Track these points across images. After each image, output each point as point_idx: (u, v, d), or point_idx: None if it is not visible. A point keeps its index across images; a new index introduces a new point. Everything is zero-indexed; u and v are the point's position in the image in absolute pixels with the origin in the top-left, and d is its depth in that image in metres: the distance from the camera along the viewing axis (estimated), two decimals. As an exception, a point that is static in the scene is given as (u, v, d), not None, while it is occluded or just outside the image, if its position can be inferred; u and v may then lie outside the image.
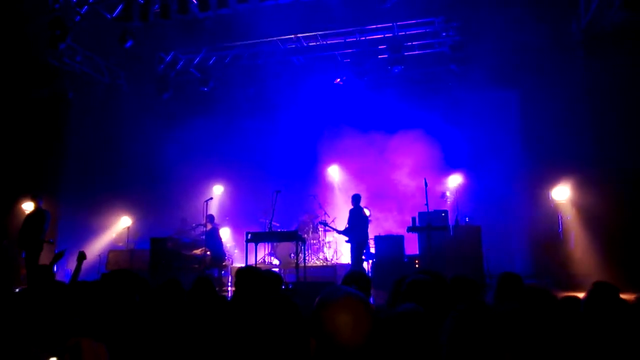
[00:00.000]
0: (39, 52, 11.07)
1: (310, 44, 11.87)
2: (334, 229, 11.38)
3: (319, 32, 11.41)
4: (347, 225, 9.86)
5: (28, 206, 10.13)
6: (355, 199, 9.96)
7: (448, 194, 10.94)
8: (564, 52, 9.53)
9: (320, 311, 1.51)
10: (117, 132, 12.23)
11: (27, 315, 3.51)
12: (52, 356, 0.75)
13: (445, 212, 9.54)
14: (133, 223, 12.75)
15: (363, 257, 10.26)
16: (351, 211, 9.89)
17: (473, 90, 11.56)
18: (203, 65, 12.76)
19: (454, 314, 1.15)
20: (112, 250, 11.98)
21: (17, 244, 8.74)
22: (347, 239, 9.80)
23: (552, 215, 10.22)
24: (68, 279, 8.19)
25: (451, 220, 9.67)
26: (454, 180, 11.29)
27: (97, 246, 12.28)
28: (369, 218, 10.51)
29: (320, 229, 11.97)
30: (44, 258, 8.70)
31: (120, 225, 12.83)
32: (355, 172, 12.94)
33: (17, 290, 7.08)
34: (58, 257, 6.10)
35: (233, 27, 10.67)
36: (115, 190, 12.14)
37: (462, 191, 11.15)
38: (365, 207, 10.34)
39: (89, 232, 12.07)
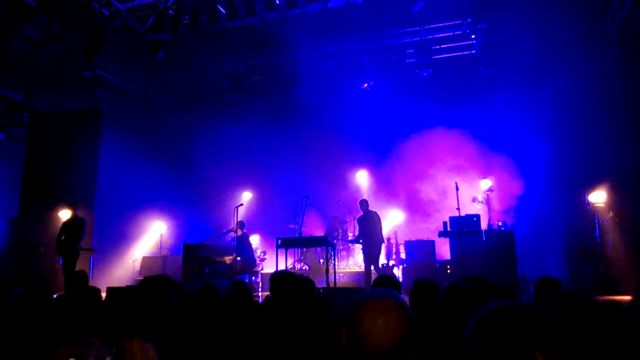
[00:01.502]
0: (74, 65, 11.46)
1: (338, 50, 11.91)
2: (346, 241, 11.43)
3: (346, 38, 11.45)
4: (358, 234, 9.87)
5: (65, 214, 10.44)
6: (362, 204, 9.89)
7: (480, 198, 10.75)
8: (597, 51, 9.28)
9: (357, 309, 1.52)
10: (149, 142, 12.52)
11: (65, 319, 3.61)
12: (107, 356, 0.77)
13: (477, 216, 9.39)
14: (166, 230, 13.00)
15: (385, 262, 10.20)
16: (358, 219, 9.84)
17: (503, 92, 11.38)
18: (232, 74, 12.94)
19: (485, 309, 1.12)
20: (146, 256, 12.23)
21: (55, 251, 9.02)
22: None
23: (589, 219, 9.92)
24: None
25: (483, 225, 9.51)
26: (486, 184, 11.09)
27: (131, 253, 12.55)
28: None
29: (349, 233, 11.98)
30: (80, 265, 8.95)
31: (154, 232, 13.10)
32: (383, 177, 12.87)
33: (55, 296, 7.29)
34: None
35: (261, 36, 10.82)
36: (148, 198, 12.41)
37: (494, 195, 10.95)
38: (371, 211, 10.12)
39: (123, 239, 12.34)
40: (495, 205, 10.79)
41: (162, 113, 12.89)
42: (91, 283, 9.12)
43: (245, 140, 13.14)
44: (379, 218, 9.85)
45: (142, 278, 9.85)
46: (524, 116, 11.49)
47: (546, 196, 11.04)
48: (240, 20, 9.71)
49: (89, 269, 10.21)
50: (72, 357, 0.75)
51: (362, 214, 9.88)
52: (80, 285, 4.71)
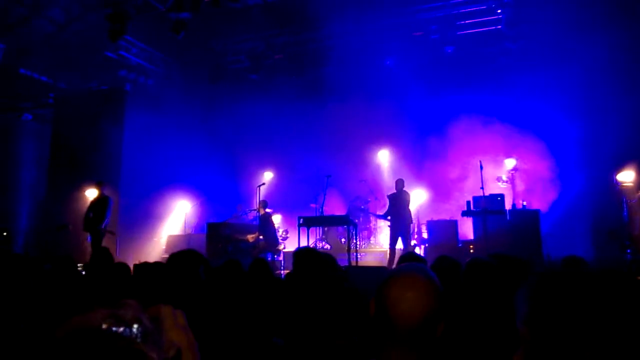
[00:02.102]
0: (98, 45, 11.56)
1: (360, 26, 11.71)
2: (375, 215, 11.41)
3: (369, 14, 11.24)
4: (387, 210, 9.94)
5: (91, 193, 10.66)
6: (398, 183, 9.98)
7: (504, 177, 10.58)
8: (629, 24, 8.93)
9: (387, 282, 1.52)
10: (172, 122, 12.62)
11: (94, 291, 3.71)
12: (134, 323, 0.76)
13: (502, 196, 9.26)
14: (190, 209, 13.19)
15: (413, 241, 10.22)
16: (390, 196, 9.92)
17: (529, 68, 11.05)
18: (252, 53, 12.88)
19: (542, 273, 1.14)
20: (170, 235, 12.44)
21: (83, 228, 9.25)
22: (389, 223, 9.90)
23: (617, 199, 9.71)
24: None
25: (507, 205, 9.38)
26: (511, 163, 10.89)
27: (156, 232, 12.78)
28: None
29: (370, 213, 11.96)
30: (106, 244, 9.16)
31: (178, 211, 13.30)
32: (405, 156, 12.74)
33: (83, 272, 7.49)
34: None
35: (282, 14, 10.72)
36: (172, 177, 12.58)
37: (518, 174, 10.75)
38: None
39: (148, 218, 12.56)
40: (520, 185, 10.60)
41: (184, 93, 12.95)
42: (117, 261, 9.35)
43: (266, 119, 13.13)
44: (410, 199, 9.89)
45: (167, 256, 10.03)
46: (551, 94, 11.17)
47: (573, 176, 10.78)
48: (261, -2, 9.64)
49: (115, 247, 10.44)
50: (109, 317, 0.75)
51: (395, 191, 9.92)
52: (105, 261, 4.80)
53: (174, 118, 12.68)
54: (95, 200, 9.46)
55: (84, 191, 11.43)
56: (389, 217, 9.95)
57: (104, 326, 0.74)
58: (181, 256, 2.75)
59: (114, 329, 0.75)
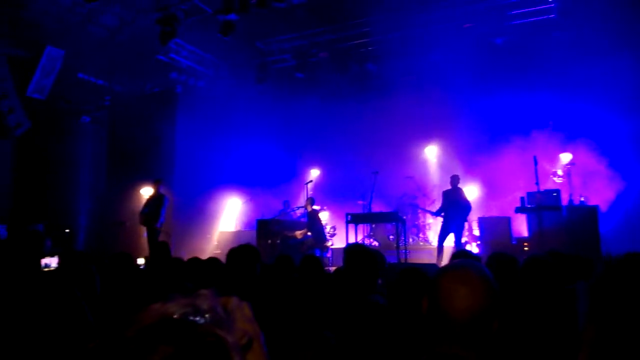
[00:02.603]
0: (149, 49, 11.97)
1: (406, 21, 11.53)
2: (427, 211, 11.23)
3: (415, 7, 11.06)
4: (440, 207, 9.81)
5: (146, 191, 11.08)
6: (453, 179, 9.82)
7: (560, 172, 10.17)
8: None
9: (440, 277, 1.51)
10: (221, 122, 12.92)
11: (154, 284, 3.85)
12: (210, 312, 0.79)
13: (557, 191, 8.90)
14: (240, 206, 13.48)
15: (464, 238, 10.04)
16: (444, 193, 9.79)
17: (583, 58, 10.55)
18: (297, 51, 12.97)
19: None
20: (222, 231, 12.75)
21: (140, 223, 9.66)
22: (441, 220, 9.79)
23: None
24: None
25: (564, 201, 9.01)
26: (567, 158, 10.45)
27: (207, 228, 13.13)
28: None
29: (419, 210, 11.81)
30: (161, 239, 9.49)
31: (228, 208, 13.62)
32: (454, 152, 12.47)
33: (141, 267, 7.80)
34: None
35: (326, 12, 10.73)
36: (222, 176, 12.88)
37: (575, 169, 10.29)
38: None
39: (200, 215, 12.90)
40: (577, 180, 10.15)
41: (232, 93, 13.22)
42: (174, 255, 9.67)
43: (312, 116, 13.21)
44: (465, 196, 9.80)
45: (219, 251, 10.27)
46: (608, 85, 10.63)
47: (633, 171, 10.23)
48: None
49: (170, 242, 10.79)
50: (187, 306, 0.78)
51: (450, 188, 9.82)
52: (163, 255, 4.98)
53: (223, 118, 12.98)
54: (151, 197, 9.85)
55: (140, 189, 11.89)
56: (442, 214, 9.84)
57: (182, 314, 0.77)
58: (240, 251, 2.82)
59: (191, 317, 0.78)
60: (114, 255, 4.51)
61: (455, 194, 9.69)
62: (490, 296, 1.44)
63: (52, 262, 7.02)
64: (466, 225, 10.16)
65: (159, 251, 4.97)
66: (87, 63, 12.22)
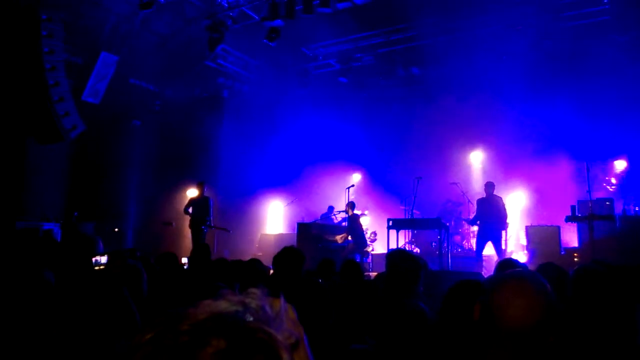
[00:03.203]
0: (198, 55, 12.31)
1: (452, 25, 11.35)
2: (464, 219, 11.04)
3: (461, 12, 10.86)
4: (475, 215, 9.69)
5: (192, 193, 11.38)
6: (488, 186, 9.67)
7: (613, 180, 9.73)
8: None
9: (496, 286, 1.48)
10: (265, 125, 13.11)
11: (194, 285, 3.94)
12: (260, 310, 0.81)
13: (611, 200, 8.53)
14: (282, 209, 13.62)
15: (504, 247, 9.80)
16: (478, 201, 9.64)
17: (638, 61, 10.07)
18: (342, 56, 13.00)
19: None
20: (263, 234, 12.91)
21: (189, 225, 9.98)
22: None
23: None
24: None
25: (617, 210, 8.62)
26: (621, 165, 9.98)
27: (250, 230, 13.33)
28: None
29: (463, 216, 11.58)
30: (207, 241, 9.72)
31: (270, 211, 13.79)
32: (500, 158, 12.15)
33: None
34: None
35: (370, 16, 10.71)
36: (265, 179, 13.07)
37: (630, 177, 9.82)
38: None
39: (244, 217, 13.13)
40: (633, 188, 9.68)
41: (276, 98, 13.40)
42: (215, 257, 9.89)
43: (354, 121, 13.20)
44: (503, 203, 9.54)
45: (261, 254, 10.39)
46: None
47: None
48: (351, 1, 9.70)
49: (214, 244, 11.03)
50: (237, 304, 0.80)
51: (484, 195, 9.65)
52: (203, 257, 5.08)
53: (267, 122, 13.17)
54: (196, 199, 10.12)
55: (186, 191, 12.22)
56: (477, 222, 9.66)
57: (232, 311, 0.79)
58: (290, 251, 2.86)
59: (241, 314, 0.80)
60: (161, 255, 4.65)
61: (491, 202, 9.49)
62: (547, 309, 1.42)
63: (102, 259, 7.33)
64: (504, 233, 9.92)
65: (201, 252, 5.10)
66: (139, 69, 12.68)
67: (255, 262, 3.64)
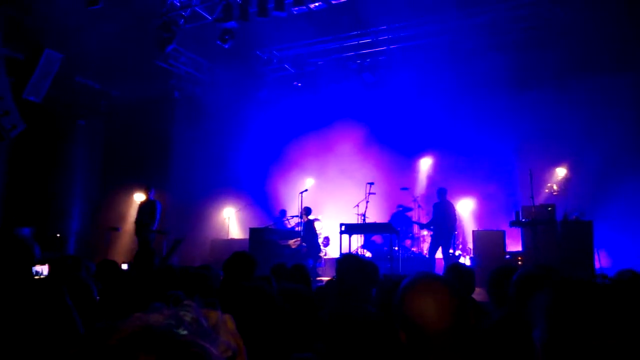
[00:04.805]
0: (148, 55, 11.98)
1: (404, 34, 11.60)
2: (417, 223, 11.31)
3: (413, 20, 11.14)
4: (430, 219, 10.01)
5: (139, 197, 11.03)
6: (440, 192, 9.93)
7: (555, 187, 10.20)
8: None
9: (405, 297, 1.48)
10: (217, 128, 12.90)
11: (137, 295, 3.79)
12: (194, 323, 0.76)
13: (553, 206, 8.92)
14: (234, 214, 13.42)
15: (451, 251, 10.14)
16: (434, 205, 9.90)
17: (581, 75, 10.64)
18: (297, 60, 13.00)
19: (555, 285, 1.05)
20: (215, 239, 12.68)
21: (135, 232, 9.61)
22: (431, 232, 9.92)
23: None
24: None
25: (559, 215, 9.02)
26: (562, 172, 10.48)
27: (201, 236, 13.05)
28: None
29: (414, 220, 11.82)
30: (154, 247, 9.43)
31: (222, 216, 13.56)
32: (449, 165, 12.49)
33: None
34: (177, 244, 6.51)
35: (326, 21, 10.79)
36: (217, 183, 12.84)
37: (570, 184, 10.33)
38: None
39: (195, 222, 12.83)
40: (572, 194, 10.18)
41: (229, 100, 13.22)
42: (165, 263, 9.60)
43: (310, 126, 13.22)
44: (454, 208, 9.96)
45: (212, 259, 10.18)
46: (604, 100, 10.71)
47: (629, 187, 10.27)
48: (307, 6, 9.73)
49: (162, 249, 10.73)
50: (170, 317, 0.75)
51: (438, 200, 9.94)
52: (148, 263, 4.91)
53: (219, 125, 12.95)
54: (142, 203, 9.80)
55: (134, 195, 11.83)
56: (431, 227, 9.98)
57: (164, 324, 0.75)
58: (236, 259, 2.79)
59: (174, 328, 0.75)
60: (100, 263, 4.46)
61: (443, 206, 9.79)
62: (458, 297, 1.46)
63: (43, 269, 6.92)
64: (453, 238, 10.28)
65: (144, 259, 4.91)
66: (85, 67, 12.20)
67: (205, 269, 3.54)
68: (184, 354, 0.69)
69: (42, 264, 7.06)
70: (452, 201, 10.24)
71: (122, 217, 11.76)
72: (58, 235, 11.72)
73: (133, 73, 12.53)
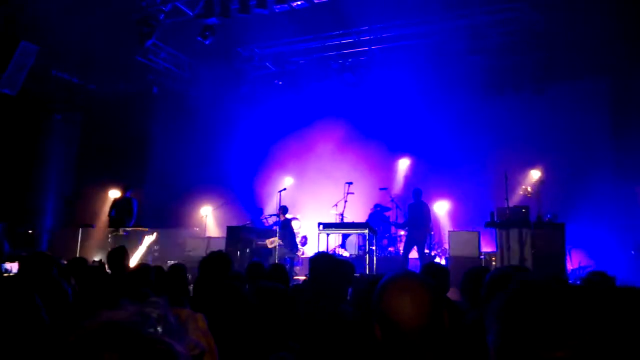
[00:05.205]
0: (127, 49, 11.79)
1: (385, 35, 11.66)
2: (392, 223, 11.45)
3: (392, 22, 11.21)
4: (405, 220, 10.10)
5: (114, 194, 10.87)
6: (415, 193, 10.08)
7: (529, 189, 10.40)
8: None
9: (381, 295, 1.51)
10: (197, 125, 12.78)
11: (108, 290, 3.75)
12: (161, 321, 0.77)
13: (527, 207, 9.09)
14: (212, 212, 13.32)
15: (427, 250, 10.28)
16: (409, 206, 9.99)
17: (558, 79, 10.89)
18: (278, 58, 12.96)
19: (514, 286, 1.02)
20: (191, 237, 12.56)
21: (108, 226, 9.47)
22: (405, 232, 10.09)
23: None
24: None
25: (532, 217, 9.20)
26: (536, 174, 10.70)
27: (179, 233, 12.91)
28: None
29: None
30: (133, 243, 9.31)
31: (201, 213, 13.44)
32: (428, 166, 12.64)
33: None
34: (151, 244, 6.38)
35: (309, 20, 10.78)
36: (196, 180, 12.71)
37: (544, 186, 10.54)
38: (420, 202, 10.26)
39: (172, 220, 12.70)
40: (546, 196, 10.39)
41: (209, 97, 13.10)
42: (141, 260, 9.49)
43: (291, 124, 13.21)
44: (429, 209, 10.14)
45: (189, 257, 10.05)
46: (580, 104, 10.99)
47: (604, 188, 10.54)
48: (289, 4, 9.71)
49: (138, 247, 10.59)
50: (137, 314, 0.76)
51: (413, 201, 10.08)
52: (119, 260, 4.83)
53: (198, 122, 12.84)
54: (118, 199, 9.66)
55: (109, 191, 11.65)
56: (406, 227, 10.12)
57: (130, 322, 0.75)
58: (213, 258, 2.78)
59: (139, 325, 0.76)
60: (71, 260, 4.39)
61: (418, 207, 9.96)
62: (433, 293, 1.48)
63: (12, 267, 6.76)
64: (428, 238, 10.46)
65: (119, 256, 4.83)
66: (63, 60, 11.96)
67: (179, 268, 3.51)
68: (149, 352, 0.70)
69: (12, 261, 6.91)
70: (428, 202, 10.38)
71: (96, 214, 11.57)
72: (30, 231, 11.48)
73: (111, 67, 12.33)
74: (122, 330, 0.72)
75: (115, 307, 0.80)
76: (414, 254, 10.10)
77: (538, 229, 8.87)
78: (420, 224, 9.81)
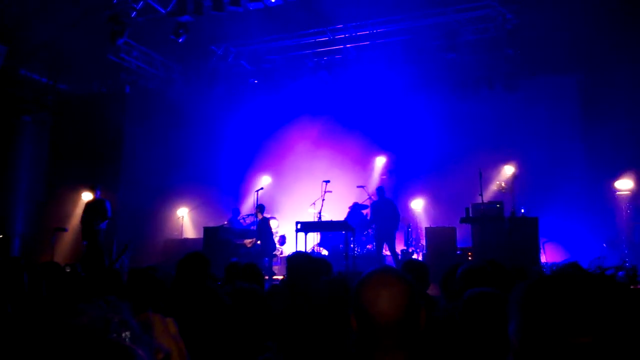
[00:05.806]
0: (98, 48, 11.56)
1: (360, 33, 11.71)
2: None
3: (368, 20, 11.26)
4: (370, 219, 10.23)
5: (87, 196, 10.63)
6: (379, 191, 10.25)
7: (503, 184, 10.58)
8: (630, 33, 8.96)
9: (360, 288, 1.54)
10: (171, 125, 12.61)
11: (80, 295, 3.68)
12: (122, 326, 0.75)
13: (501, 203, 9.24)
14: (188, 213, 13.17)
15: (404, 247, 10.40)
16: (372, 205, 10.14)
17: (529, 76, 11.11)
18: (252, 57, 12.89)
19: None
20: (167, 239, 12.40)
21: (81, 230, 9.26)
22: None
23: (616, 207, 9.72)
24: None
25: (506, 212, 9.36)
26: (510, 170, 10.90)
27: (154, 235, 12.73)
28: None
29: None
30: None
31: (176, 215, 13.27)
32: (404, 163, 12.75)
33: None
34: (124, 250, 6.36)
35: (282, 18, 10.75)
36: (171, 181, 12.54)
37: (517, 182, 10.75)
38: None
39: (147, 222, 12.51)
40: (519, 192, 10.60)
41: (183, 96, 12.94)
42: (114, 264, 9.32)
43: (265, 123, 13.15)
44: (395, 206, 10.14)
45: (164, 259, 9.95)
46: (550, 100, 11.23)
47: (573, 183, 10.80)
48: (263, 2, 9.65)
49: (112, 250, 10.41)
50: (98, 319, 0.73)
51: (377, 199, 10.19)
52: (97, 264, 4.76)
53: (172, 122, 12.66)
54: (90, 203, 9.48)
55: (81, 194, 11.40)
56: (373, 225, 10.19)
57: (90, 326, 0.73)
58: (189, 259, 2.74)
59: (100, 330, 0.74)
60: (42, 264, 4.29)
61: (382, 205, 10.05)
62: (410, 291, 1.51)
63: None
64: (404, 235, 10.58)
65: (94, 259, 4.75)
66: (32, 59, 11.66)
67: (152, 270, 3.46)
68: (107, 356, 0.68)
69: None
70: (405, 199, 10.47)
71: (68, 217, 11.31)
72: (1, 236, 11.16)
73: (82, 66, 12.06)
74: (80, 336, 0.70)
75: (77, 312, 0.78)
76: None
77: (512, 224, 9.03)
78: (385, 222, 9.90)
